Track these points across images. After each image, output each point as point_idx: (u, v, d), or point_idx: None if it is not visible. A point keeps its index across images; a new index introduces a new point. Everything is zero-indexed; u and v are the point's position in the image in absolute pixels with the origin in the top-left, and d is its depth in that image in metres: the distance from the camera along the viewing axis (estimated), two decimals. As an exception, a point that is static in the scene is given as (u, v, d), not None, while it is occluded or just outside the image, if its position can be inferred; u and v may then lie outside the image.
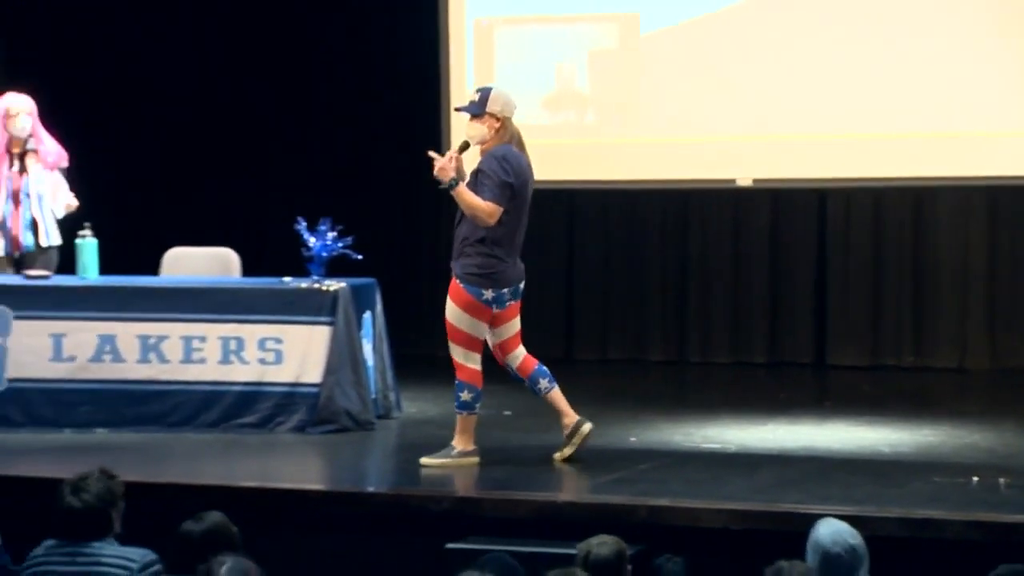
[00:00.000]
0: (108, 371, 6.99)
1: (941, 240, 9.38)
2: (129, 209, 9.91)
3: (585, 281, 10.07)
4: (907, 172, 9.07)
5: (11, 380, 6.99)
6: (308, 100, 10.40)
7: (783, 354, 9.63)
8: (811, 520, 4.30)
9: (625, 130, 9.54)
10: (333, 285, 6.99)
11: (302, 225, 7.01)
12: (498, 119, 6.08)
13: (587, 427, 6.19)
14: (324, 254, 7.01)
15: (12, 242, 7.40)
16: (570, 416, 6.21)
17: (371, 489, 6.00)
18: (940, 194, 9.32)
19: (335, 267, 7.10)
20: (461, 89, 9.68)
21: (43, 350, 7.00)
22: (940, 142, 8.95)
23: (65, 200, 7.44)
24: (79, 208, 7.47)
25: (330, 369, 6.91)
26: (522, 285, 6.20)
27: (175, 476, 5.98)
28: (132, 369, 6.99)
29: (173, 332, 6.99)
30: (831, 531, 4.15)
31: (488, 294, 6.05)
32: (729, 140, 9.32)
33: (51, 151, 7.45)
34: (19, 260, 7.42)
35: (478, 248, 6.04)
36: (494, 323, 6.14)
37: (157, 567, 4.18)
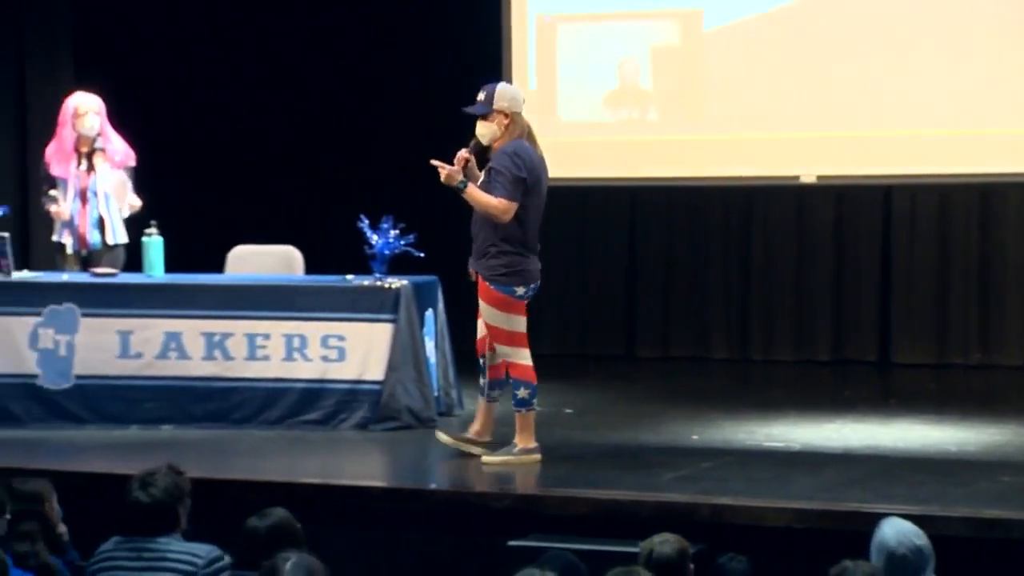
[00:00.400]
0: (174, 368, 7.06)
1: (1008, 237, 9.27)
2: (194, 207, 9.99)
3: (647, 279, 10.04)
4: (973, 168, 8.97)
5: (78, 377, 7.07)
6: (371, 97, 10.44)
7: (847, 352, 9.55)
8: (876, 519, 4.26)
9: (688, 127, 9.49)
10: (395, 283, 7.02)
11: (365, 223, 7.04)
12: (507, 115, 6.06)
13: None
14: (386, 252, 7.03)
15: (80, 240, 7.48)
16: (485, 433, 6.22)
17: (433, 486, 6.01)
18: (1007, 191, 9.20)
19: (397, 265, 7.13)
20: (523, 86, 9.67)
21: (110, 347, 7.07)
22: (1007, 139, 8.83)
23: (129, 200, 7.51)
24: (143, 207, 7.54)
25: (392, 366, 6.94)
26: (538, 283, 6.20)
27: (239, 473, 6.02)
28: (197, 366, 7.05)
29: (237, 329, 7.04)
30: (896, 531, 4.12)
31: (520, 291, 6.09)
32: (793, 137, 9.25)
33: (119, 150, 7.52)
34: (87, 258, 7.50)
35: (502, 247, 6.03)
36: None
37: (222, 563, 4.21)
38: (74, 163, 7.47)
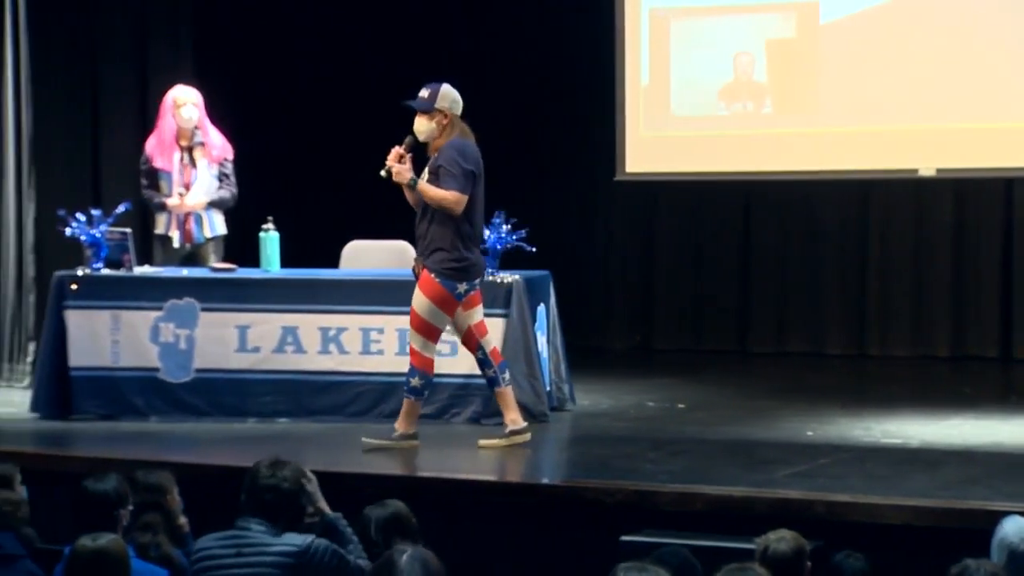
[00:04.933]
0: (290, 362, 7.15)
1: None
2: (310, 203, 10.10)
3: (761, 273, 9.95)
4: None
5: (198, 370, 7.19)
6: (483, 93, 10.43)
7: (967, 347, 9.39)
8: (997, 517, 4.19)
9: (804, 120, 9.38)
10: (507, 278, 7.03)
11: (478, 218, 7.06)
12: (446, 115, 6.27)
13: (527, 436, 6.33)
14: (498, 247, 7.05)
15: (185, 234, 7.62)
16: (516, 415, 6.35)
17: (545, 480, 6.02)
18: None
19: (509, 260, 7.14)
20: (636, 81, 9.65)
21: (229, 341, 7.18)
22: None
23: (219, 194, 7.57)
24: (233, 199, 7.60)
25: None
26: (483, 277, 6.44)
27: (354, 466, 6.08)
28: (313, 360, 7.14)
29: (352, 324, 7.11)
30: (1018, 528, 4.05)
31: (462, 287, 6.27)
32: (911, 129, 9.10)
33: (216, 144, 7.64)
34: (191, 252, 7.62)
35: (452, 243, 6.22)
36: (465, 307, 6.34)
37: (320, 550, 4.18)
38: (176, 157, 7.60)
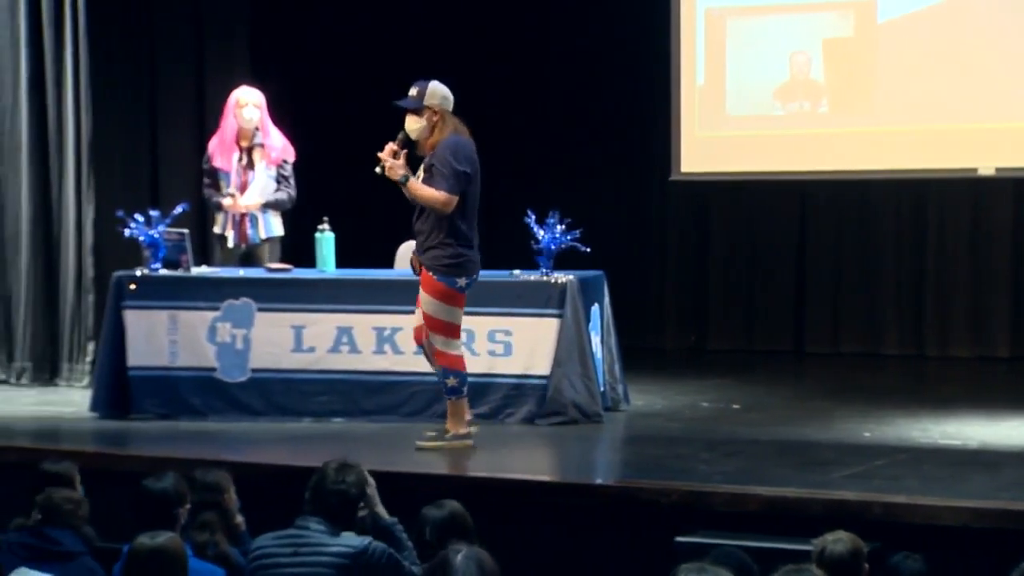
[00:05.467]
0: (345, 362, 7.18)
1: None
2: (365, 204, 10.13)
3: (817, 273, 9.89)
4: None
5: (254, 370, 7.23)
6: (537, 91, 10.47)
7: (1027, 349, 9.29)
8: (1057, 521, 4.14)
9: (861, 120, 9.33)
10: (562, 278, 7.03)
11: (531, 218, 7.07)
12: (436, 112, 6.23)
13: (469, 443, 6.31)
14: (553, 247, 7.05)
15: (240, 235, 7.66)
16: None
17: (599, 481, 6.01)
18: None
19: (563, 260, 7.14)
20: (691, 80, 9.62)
21: (284, 341, 7.22)
22: None
23: (276, 196, 7.60)
24: (290, 200, 7.61)
25: (558, 361, 6.95)
26: (479, 274, 6.37)
27: (408, 466, 6.10)
28: (368, 360, 7.16)
29: (407, 324, 7.11)
30: (1079, 533, 3.99)
31: (461, 282, 6.26)
32: (970, 128, 9.02)
33: (276, 146, 7.67)
34: (246, 253, 7.66)
35: (446, 240, 6.21)
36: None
37: (376, 553, 4.22)
38: (235, 157, 7.65)
